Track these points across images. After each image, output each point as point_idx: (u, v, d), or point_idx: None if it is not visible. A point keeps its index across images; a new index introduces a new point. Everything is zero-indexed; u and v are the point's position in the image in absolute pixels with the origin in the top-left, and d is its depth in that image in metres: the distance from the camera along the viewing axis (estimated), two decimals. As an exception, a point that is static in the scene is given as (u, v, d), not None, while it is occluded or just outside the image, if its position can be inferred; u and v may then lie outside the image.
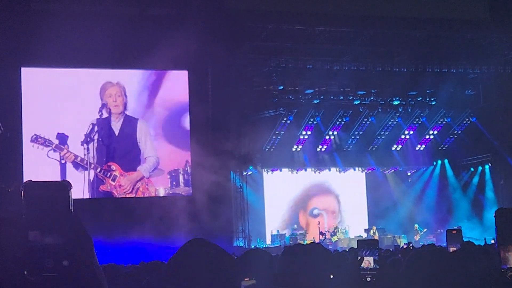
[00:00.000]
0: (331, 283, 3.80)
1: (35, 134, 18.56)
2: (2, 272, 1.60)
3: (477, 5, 21.78)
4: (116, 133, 19.42)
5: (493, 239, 14.71)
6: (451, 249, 5.93)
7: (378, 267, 3.79)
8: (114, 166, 19.40)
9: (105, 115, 19.24)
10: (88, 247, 1.68)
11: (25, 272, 1.60)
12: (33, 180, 1.71)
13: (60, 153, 18.75)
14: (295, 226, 24.14)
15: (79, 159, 18.86)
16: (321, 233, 22.86)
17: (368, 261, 3.79)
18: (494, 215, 3.04)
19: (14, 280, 1.59)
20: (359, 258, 3.77)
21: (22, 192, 1.65)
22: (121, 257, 16.48)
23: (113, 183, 19.34)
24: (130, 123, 19.58)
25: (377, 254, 3.82)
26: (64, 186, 1.69)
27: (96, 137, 19.00)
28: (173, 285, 1.97)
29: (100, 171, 19.17)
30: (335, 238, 22.53)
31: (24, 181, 1.68)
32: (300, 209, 25.01)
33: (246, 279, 3.81)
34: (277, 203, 24.45)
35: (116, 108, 19.45)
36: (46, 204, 1.65)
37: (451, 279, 3.57)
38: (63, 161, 18.85)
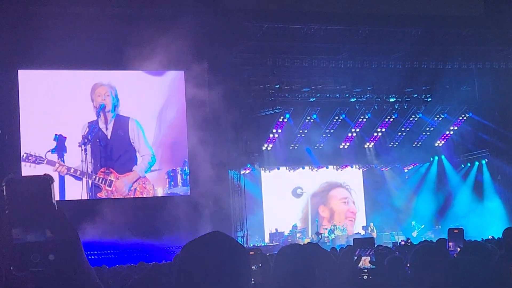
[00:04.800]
0: (328, 282, 3.85)
1: (25, 153, 18.49)
2: None
3: (472, 1, 21.85)
4: (109, 135, 19.41)
5: (491, 236, 14.83)
6: (458, 248, 5.93)
7: (374, 266, 3.81)
8: (109, 171, 19.38)
9: (99, 116, 19.26)
10: (74, 240, 1.63)
11: (11, 268, 1.55)
12: (14, 175, 1.65)
13: (53, 168, 18.65)
14: (295, 224, 24.15)
15: (72, 170, 18.82)
16: (317, 233, 22.93)
17: (365, 260, 3.81)
18: (502, 235, 2.71)
19: (1, 277, 1.55)
20: (355, 258, 3.78)
21: (4, 187, 1.58)
22: (119, 258, 16.56)
23: (110, 189, 19.33)
24: (121, 123, 19.56)
25: (373, 252, 3.84)
26: (45, 180, 1.62)
27: (91, 139, 18.99)
28: (187, 274, 1.98)
29: (95, 179, 19.13)
30: (332, 236, 22.58)
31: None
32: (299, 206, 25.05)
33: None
34: (275, 201, 24.45)
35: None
36: (29, 199, 1.59)
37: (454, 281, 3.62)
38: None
